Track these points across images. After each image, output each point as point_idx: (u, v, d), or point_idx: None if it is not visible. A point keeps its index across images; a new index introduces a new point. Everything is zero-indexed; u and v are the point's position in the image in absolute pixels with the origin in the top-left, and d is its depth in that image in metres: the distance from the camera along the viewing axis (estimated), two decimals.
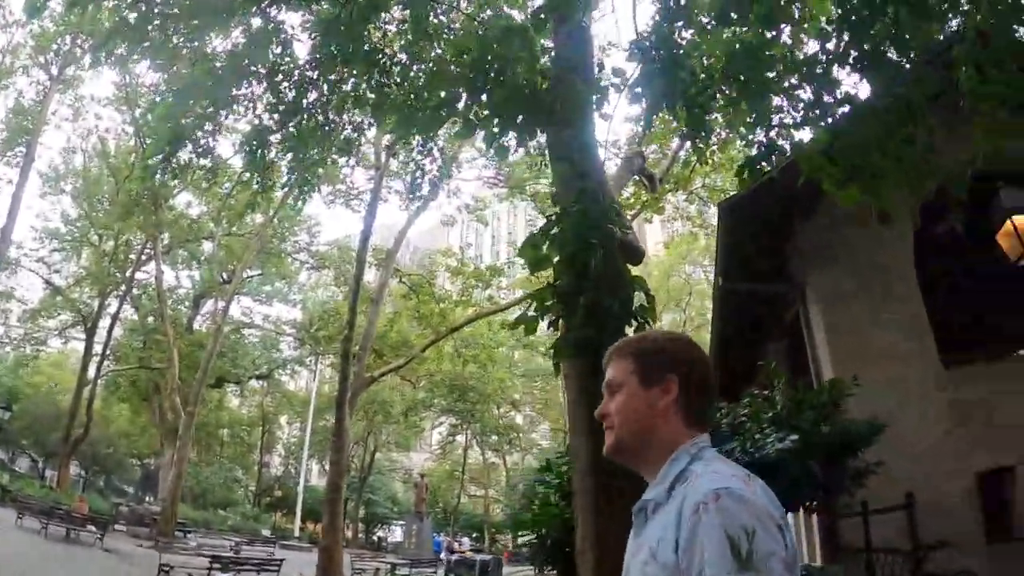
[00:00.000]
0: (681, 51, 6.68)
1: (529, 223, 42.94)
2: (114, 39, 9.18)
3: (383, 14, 10.29)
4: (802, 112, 7.20)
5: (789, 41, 7.33)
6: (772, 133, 7.11)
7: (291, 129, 10.13)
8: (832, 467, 6.87)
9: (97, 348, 40.73)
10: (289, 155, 11.16)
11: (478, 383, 44.57)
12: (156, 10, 8.92)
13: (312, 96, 10.20)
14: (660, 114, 9.05)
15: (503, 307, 33.53)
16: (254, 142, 10.49)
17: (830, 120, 6.91)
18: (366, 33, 9.99)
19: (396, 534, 63.34)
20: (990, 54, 5.96)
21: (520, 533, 12.42)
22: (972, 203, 9.03)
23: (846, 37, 6.55)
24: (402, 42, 11.13)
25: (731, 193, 23.89)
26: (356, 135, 11.62)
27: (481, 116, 6.66)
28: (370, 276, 32.57)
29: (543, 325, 6.23)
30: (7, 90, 32.81)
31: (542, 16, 6.85)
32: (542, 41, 7.64)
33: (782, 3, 6.89)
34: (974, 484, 9.39)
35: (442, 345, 34.71)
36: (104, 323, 41.08)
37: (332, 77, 9.99)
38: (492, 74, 6.56)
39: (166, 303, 37.39)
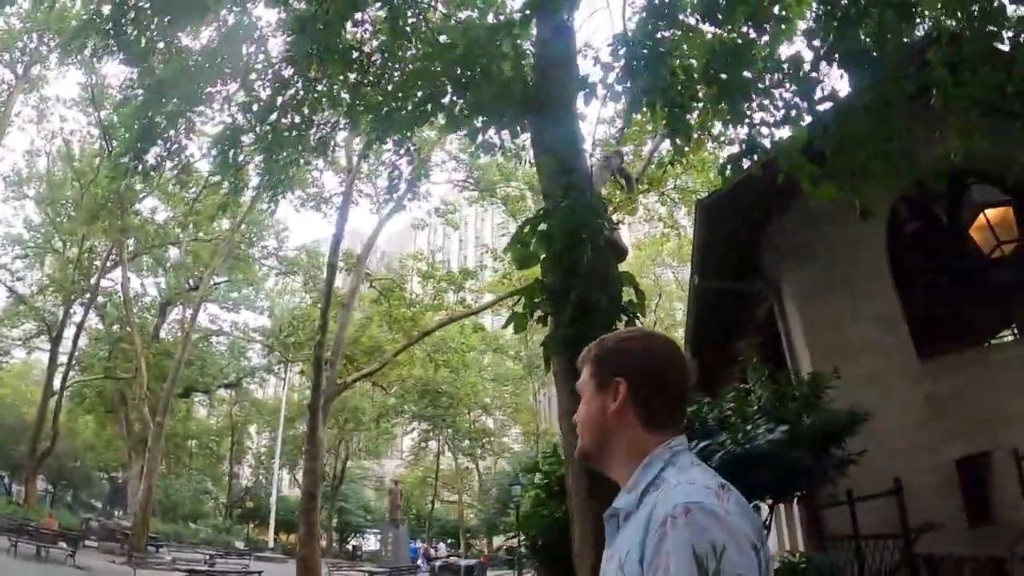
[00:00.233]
0: (664, 49, 6.70)
1: (500, 227, 42.91)
2: (86, 33, 9.02)
3: (360, 13, 10.22)
4: (782, 111, 7.32)
5: (767, 41, 7.42)
6: (752, 131, 7.23)
7: (265, 128, 9.98)
8: (817, 457, 6.88)
9: (62, 358, 39.92)
10: (261, 156, 11.05)
11: (450, 387, 44.38)
12: (130, 3, 8.77)
13: (287, 94, 10.07)
14: (637, 113, 9.11)
15: (475, 310, 33.50)
16: (226, 142, 10.36)
17: (809, 119, 7.03)
18: (342, 31, 9.92)
19: (370, 542, 63.14)
20: (963, 57, 6.09)
21: (510, 535, 12.37)
22: (940, 200, 9.21)
23: (831, 37, 6.66)
24: (377, 42, 11.07)
25: (702, 195, 24.16)
26: (331, 134, 11.52)
27: (465, 112, 6.60)
28: (339, 281, 32.33)
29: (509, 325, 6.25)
30: None
31: (527, 13, 6.83)
32: (526, 38, 7.61)
33: (765, 3, 6.97)
34: (953, 471, 9.55)
35: (413, 350, 34.48)
36: (69, 332, 40.34)
37: (307, 75, 9.89)
38: (479, 70, 6.51)
39: (132, 311, 36.72)
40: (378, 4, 10.31)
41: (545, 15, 7.06)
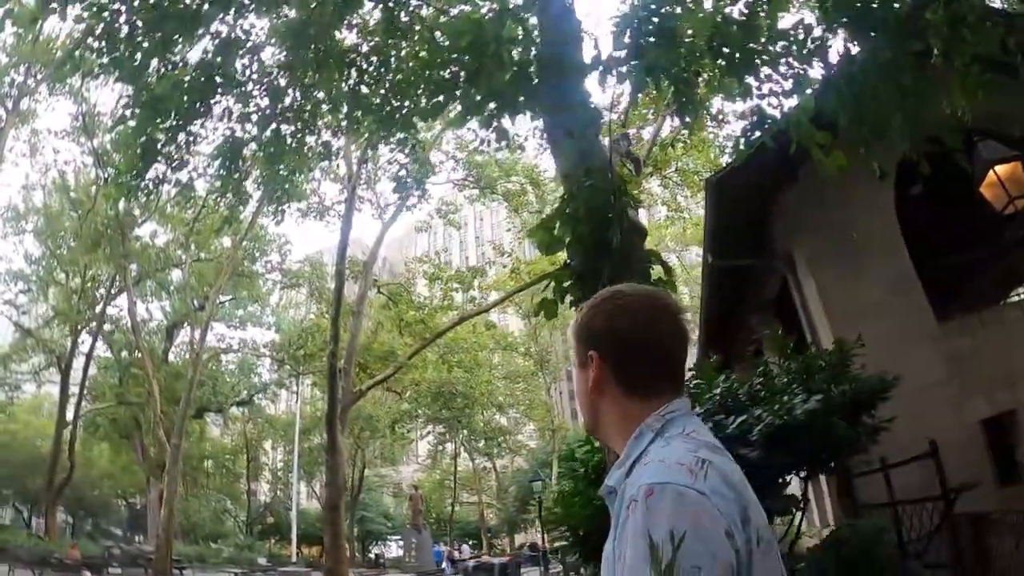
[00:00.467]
0: (672, 24, 6.64)
1: (502, 224, 42.90)
2: (78, 53, 8.97)
3: (353, 15, 10.18)
4: (790, 81, 7.29)
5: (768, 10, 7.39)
6: (760, 104, 7.22)
7: (267, 136, 9.96)
8: (852, 425, 6.80)
9: (73, 388, 39.93)
10: (262, 167, 11.03)
11: (465, 388, 44.32)
12: (122, 19, 8.72)
13: (285, 102, 10.04)
14: (642, 93, 9.07)
15: (486, 308, 33.40)
16: (226, 154, 10.32)
17: (815, 87, 7.01)
18: (337, 34, 9.89)
19: (392, 549, 63.13)
20: (962, 15, 6.07)
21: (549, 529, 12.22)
22: (945, 159, 9.19)
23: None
24: (369, 45, 11.02)
25: (704, 176, 24.15)
26: (333, 138, 11.49)
27: (479, 99, 6.53)
28: (346, 289, 32.33)
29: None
30: None
31: None
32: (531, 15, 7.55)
33: None
34: (979, 431, 9.50)
35: (425, 352, 34.33)
36: (78, 362, 40.36)
37: (304, 82, 9.85)
38: (490, 56, 6.45)
39: (141, 335, 36.70)
40: (371, 5, 10.28)
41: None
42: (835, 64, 7.18)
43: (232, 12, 9.62)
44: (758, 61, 7.03)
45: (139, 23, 9.08)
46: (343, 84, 10.30)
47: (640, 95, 11.15)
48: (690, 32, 7.25)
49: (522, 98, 6.51)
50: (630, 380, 1.58)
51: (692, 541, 1.25)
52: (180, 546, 41.52)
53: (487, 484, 65.87)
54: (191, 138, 9.98)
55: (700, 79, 7.70)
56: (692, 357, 12.32)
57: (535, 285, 32.24)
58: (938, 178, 10.63)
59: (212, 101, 9.80)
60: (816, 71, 7.44)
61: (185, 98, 9.48)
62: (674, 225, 31.28)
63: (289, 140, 10.29)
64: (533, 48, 7.08)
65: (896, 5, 6.47)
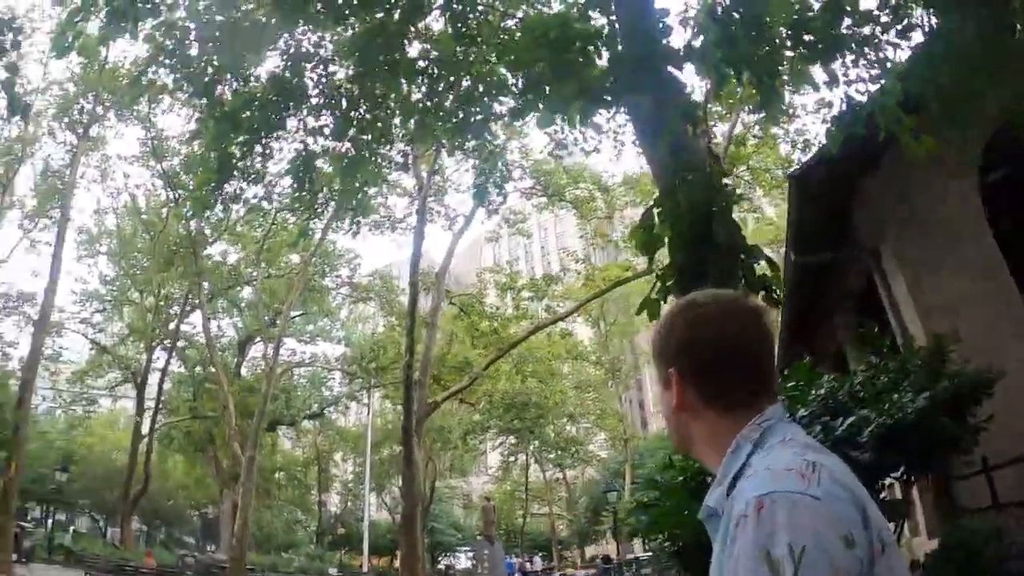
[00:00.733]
0: (763, 11, 6.39)
1: (572, 232, 42.72)
2: (150, 74, 9.04)
3: (421, 23, 10.11)
4: (876, 67, 7.03)
5: None
6: (849, 90, 7.01)
7: (344, 148, 9.94)
8: (958, 423, 6.53)
9: (149, 403, 40.86)
10: (337, 179, 11.03)
11: (539, 398, 44.13)
12: (192, 36, 8.77)
13: (358, 113, 9.99)
14: (725, 87, 8.80)
15: (562, 315, 33.21)
16: (300, 168, 10.32)
17: (901, 71, 6.73)
18: (406, 42, 9.82)
19: (461, 561, 63.13)
20: None
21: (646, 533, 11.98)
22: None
23: None
24: (440, 51, 10.95)
25: (775, 173, 23.69)
26: (410, 147, 11.45)
27: (566, 97, 6.34)
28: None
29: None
30: (32, 157, 33.19)
31: None
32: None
33: None
34: None
35: (499, 363, 34.10)
36: (153, 378, 41.31)
37: (375, 92, 9.77)
38: (577, 51, 6.28)
39: (216, 350, 37.33)
40: (437, 14, 10.21)
41: None
42: (919, 45, 6.94)
43: (300, 27, 9.63)
44: (844, 47, 6.82)
45: (209, 40, 9.14)
46: (413, 93, 10.25)
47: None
48: (768, 20, 7.02)
49: (608, 95, 6.31)
50: (716, 393, 1.48)
51: (813, 553, 1.14)
52: (253, 556, 42.12)
53: (557, 495, 65.46)
54: (267, 151, 9.99)
55: (781, 70, 7.48)
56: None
57: (610, 291, 32.24)
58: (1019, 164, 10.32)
59: (285, 114, 9.79)
60: (899, 55, 7.21)
61: (258, 113, 9.52)
62: (746, 226, 30.72)
63: (364, 151, 10.25)
64: (619, 43, 6.88)
65: None
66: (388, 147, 10.90)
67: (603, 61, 6.47)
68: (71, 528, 49.42)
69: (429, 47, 10.39)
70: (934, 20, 7.07)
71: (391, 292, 40.40)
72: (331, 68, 10.04)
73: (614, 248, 33.17)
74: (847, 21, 7.10)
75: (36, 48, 27.37)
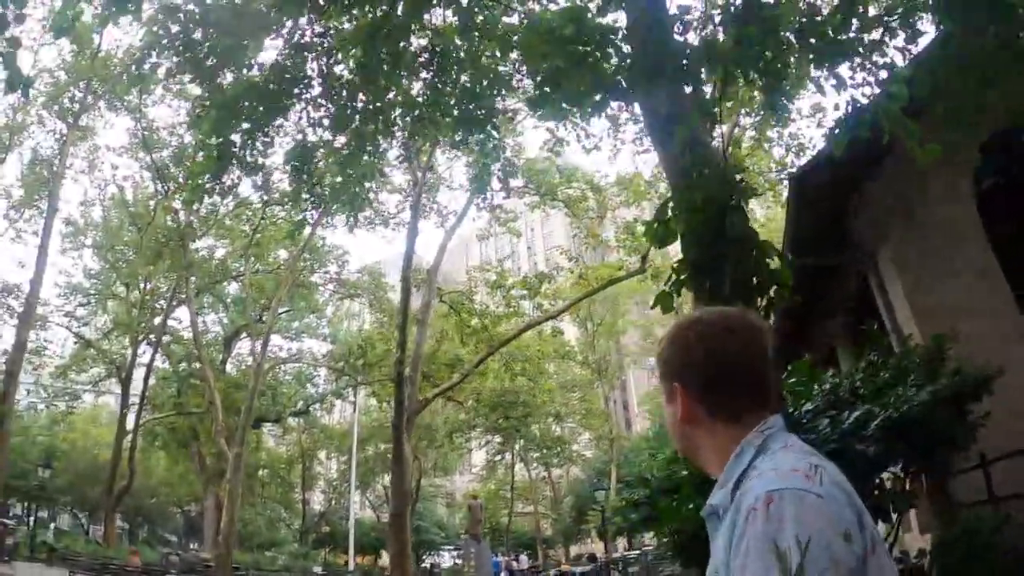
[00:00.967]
0: (771, 15, 6.39)
1: (560, 232, 42.78)
2: (153, 56, 8.94)
3: (427, 16, 10.07)
4: (883, 71, 7.07)
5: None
6: (856, 93, 7.04)
7: (342, 139, 9.87)
8: (960, 419, 6.65)
9: (133, 399, 40.47)
10: (335, 171, 10.95)
11: (527, 396, 44.10)
12: (196, 20, 8.68)
13: (360, 105, 9.92)
14: (732, 87, 8.81)
15: (554, 314, 33.19)
16: (298, 159, 10.25)
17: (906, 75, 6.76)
18: (410, 37, 9.78)
19: (445, 560, 63.08)
20: None
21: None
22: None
23: None
24: (443, 45, 10.91)
25: (769, 176, 23.77)
26: (412, 140, 11.39)
27: (580, 91, 6.33)
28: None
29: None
30: (20, 145, 32.91)
31: None
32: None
33: None
34: None
35: (489, 361, 34.00)
36: (138, 373, 40.90)
37: (380, 84, 9.71)
38: (595, 46, 6.27)
39: (203, 345, 37.01)
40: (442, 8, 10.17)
41: None
42: (924, 49, 6.97)
43: (305, 16, 9.56)
44: (850, 50, 6.85)
45: (211, 25, 9.04)
46: (415, 86, 10.21)
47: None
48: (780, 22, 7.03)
49: (624, 89, 6.29)
50: (720, 406, 1.57)
51: (817, 545, 1.23)
52: (236, 554, 41.87)
53: (542, 494, 65.46)
54: (268, 139, 9.91)
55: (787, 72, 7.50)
56: None
57: (602, 290, 32.28)
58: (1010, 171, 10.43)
59: (288, 102, 9.71)
60: (901, 59, 7.26)
61: (259, 102, 9.43)
62: None
63: (363, 144, 10.19)
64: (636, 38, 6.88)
65: None
66: (389, 139, 10.83)
67: (617, 56, 6.45)
68: (51, 525, 48.87)
69: (433, 41, 10.35)
70: (942, 26, 7.12)
71: (380, 289, 40.27)
72: (333, 59, 9.95)
73: (605, 248, 33.17)
74: (855, 25, 7.14)
75: (27, 35, 27.17)
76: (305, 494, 63.24)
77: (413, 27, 9.74)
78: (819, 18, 7.06)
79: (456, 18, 9.79)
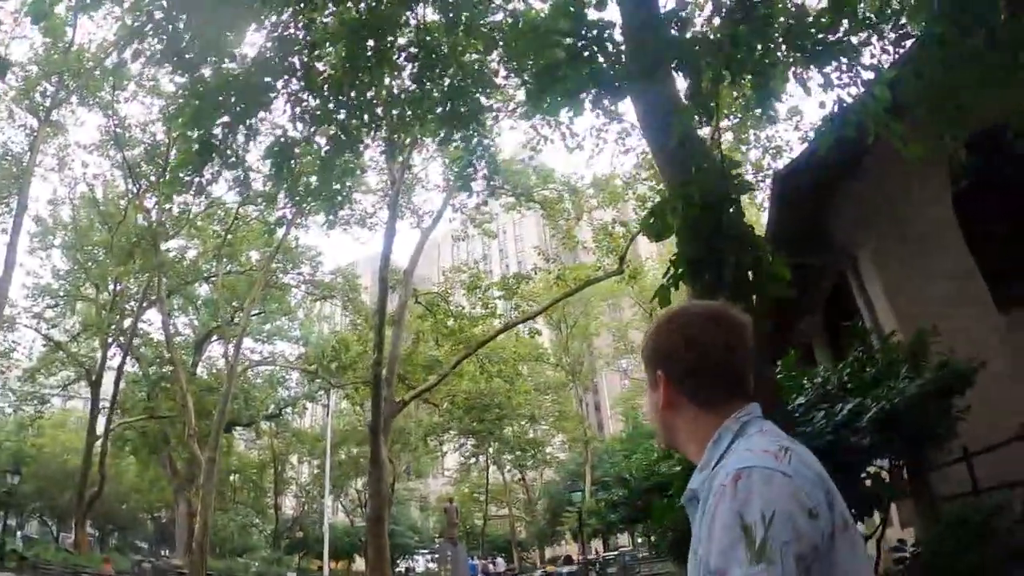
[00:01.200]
0: (763, 12, 6.38)
1: (534, 234, 42.75)
2: (136, 39, 8.76)
3: (410, 13, 9.97)
4: (871, 72, 7.09)
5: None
6: (843, 93, 7.07)
7: (325, 135, 9.75)
8: (942, 413, 6.88)
9: (103, 403, 39.78)
10: (316, 168, 10.82)
11: (503, 398, 44.01)
12: (179, 6, 8.51)
13: (346, 97, 9.80)
14: (721, 85, 8.82)
15: (531, 315, 33.17)
16: (277, 155, 10.10)
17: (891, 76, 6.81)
18: (395, 34, 9.70)
19: (419, 564, 62.84)
20: None
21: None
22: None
23: None
24: (427, 41, 10.83)
25: (747, 177, 23.88)
26: (395, 136, 11.28)
27: (574, 85, 6.28)
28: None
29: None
30: None
31: None
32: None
33: None
34: None
35: (464, 363, 33.78)
36: (108, 376, 40.20)
37: (364, 80, 9.61)
38: (592, 39, 6.22)
39: (175, 348, 36.51)
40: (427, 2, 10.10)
41: None
42: (908, 49, 7.02)
43: (289, 8, 9.44)
44: (841, 52, 6.87)
45: (194, 11, 8.87)
46: (399, 82, 10.12)
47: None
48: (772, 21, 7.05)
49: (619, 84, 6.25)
50: (701, 394, 1.64)
51: (780, 519, 1.29)
52: (209, 560, 41.35)
53: (516, 497, 65.38)
54: (250, 133, 9.75)
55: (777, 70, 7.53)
56: None
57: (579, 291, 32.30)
58: (986, 172, 10.55)
59: (271, 95, 9.57)
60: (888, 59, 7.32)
61: (240, 94, 9.28)
62: None
63: (344, 140, 10.06)
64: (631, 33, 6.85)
65: None
66: (371, 134, 10.70)
67: (611, 50, 6.41)
68: (18, 533, 47.98)
69: (418, 36, 10.26)
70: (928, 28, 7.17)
71: (353, 291, 40.01)
72: (317, 52, 9.82)
73: (581, 249, 33.18)
74: (844, 25, 7.17)
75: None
76: (277, 499, 62.75)
77: (399, 22, 9.65)
78: (808, 19, 7.08)
79: (439, 16, 9.70)
